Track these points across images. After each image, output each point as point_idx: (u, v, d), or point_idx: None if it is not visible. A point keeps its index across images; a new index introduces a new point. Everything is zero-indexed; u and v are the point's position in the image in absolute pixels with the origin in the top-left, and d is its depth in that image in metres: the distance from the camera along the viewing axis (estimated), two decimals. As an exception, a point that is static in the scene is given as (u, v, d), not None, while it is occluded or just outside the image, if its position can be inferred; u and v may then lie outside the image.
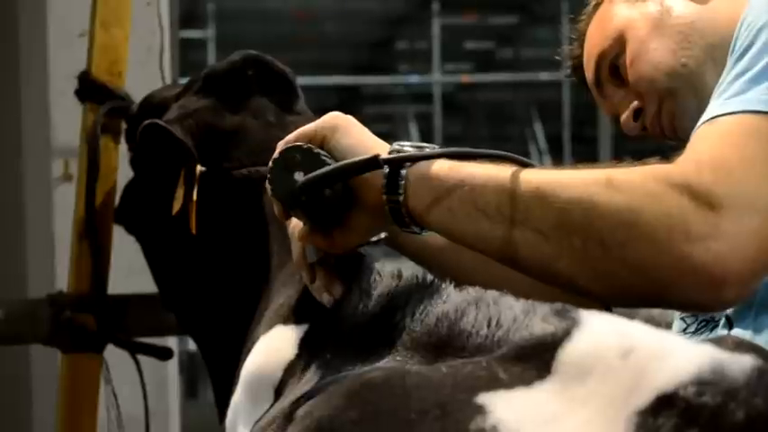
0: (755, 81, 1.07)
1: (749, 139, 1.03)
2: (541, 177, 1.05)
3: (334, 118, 1.19)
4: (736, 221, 0.98)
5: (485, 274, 1.29)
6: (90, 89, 1.99)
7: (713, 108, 1.09)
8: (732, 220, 0.98)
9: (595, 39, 1.47)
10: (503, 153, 1.12)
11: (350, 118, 1.19)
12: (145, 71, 2.34)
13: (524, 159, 1.11)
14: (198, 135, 1.54)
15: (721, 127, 1.06)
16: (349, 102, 10.08)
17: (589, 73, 1.49)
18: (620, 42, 1.43)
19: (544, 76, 10.14)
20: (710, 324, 1.30)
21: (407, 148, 1.14)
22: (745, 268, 0.98)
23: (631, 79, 1.42)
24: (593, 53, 1.47)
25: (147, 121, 1.50)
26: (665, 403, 0.84)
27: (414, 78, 10.47)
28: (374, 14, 9.87)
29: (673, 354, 0.86)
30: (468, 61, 11.17)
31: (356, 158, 1.13)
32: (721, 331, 1.26)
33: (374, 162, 1.12)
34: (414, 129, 10.17)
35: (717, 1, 1.38)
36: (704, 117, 1.09)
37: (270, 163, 1.17)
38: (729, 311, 1.25)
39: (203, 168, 1.49)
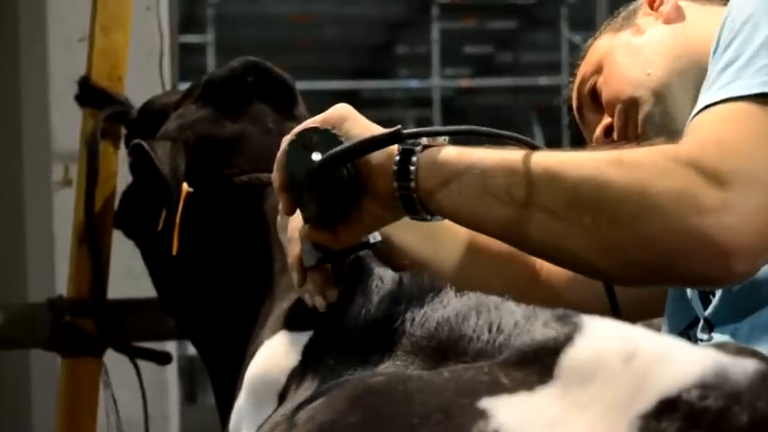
0: (745, 68, 1.10)
1: (749, 120, 1.06)
2: (551, 158, 1.08)
3: (341, 109, 1.20)
4: (745, 196, 1.01)
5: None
6: (90, 94, 1.99)
7: (705, 99, 1.12)
8: (740, 194, 1.01)
9: (581, 71, 1.54)
10: (514, 135, 1.14)
11: (355, 111, 1.20)
12: (145, 76, 2.34)
13: (534, 142, 1.13)
14: (197, 145, 1.55)
15: (718, 113, 1.09)
16: (348, 106, 10.06)
17: (574, 102, 1.56)
18: (598, 68, 1.49)
19: (543, 80, 10.14)
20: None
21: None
22: (754, 241, 1.01)
23: (604, 98, 1.48)
24: (577, 82, 1.54)
25: (134, 142, 1.52)
26: (668, 407, 0.84)
27: (413, 83, 10.48)
28: (373, 19, 9.88)
29: (675, 358, 0.87)
30: (468, 66, 11.18)
31: (378, 133, 1.14)
32: (701, 335, 1.27)
33: (397, 135, 1.12)
34: (413, 133, 10.15)
35: (689, 22, 1.45)
36: (697, 108, 1.12)
37: (284, 145, 1.17)
38: (707, 314, 1.26)
39: (190, 189, 1.49)
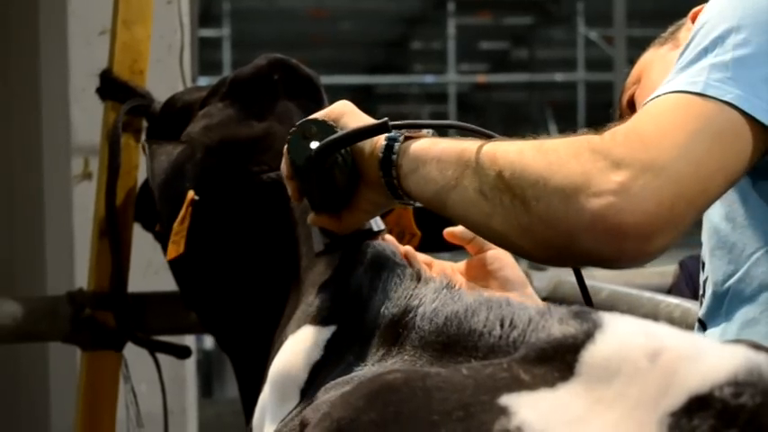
0: (682, 70, 1.15)
1: (666, 112, 1.12)
2: (492, 147, 1.15)
3: (342, 105, 1.30)
4: (639, 181, 1.05)
5: None
6: (112, 87, 1.99)
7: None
8: (637, 180, 1.06)
9: (625, 83, 1.61)
10: (478, 128, 1.24)
11: (355, 107, 1.30)
12: (165, 69, 2.35)
13: (491, 133, 1.21)
14: (222, 145, 1.57)
15: (646, 108, 1.15)
16: (364, 101, 10.06)
17: (617, 112, 1.61)
18: (637, 79, 1.57)
19: (559, 76, 10.14)
20: None
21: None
22: (642, 222, 1.05)
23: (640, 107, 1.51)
24: (621, 93, 1.61)
25: (142, 141, 1.56)
26: (699, 404, 0.83)
27: (429, 78, 10.49)
28: (389, 14, 9.88)
29: (705, 354, 0.86)
30: (484, 61, 11.18)
31: (368, 124, 1.24)
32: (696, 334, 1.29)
33: (384, 126, 1.22)
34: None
35: None
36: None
37: (288, 135, 1.26)
38: (701, 314, 1.29)
39: (196, 197, 1.52)
